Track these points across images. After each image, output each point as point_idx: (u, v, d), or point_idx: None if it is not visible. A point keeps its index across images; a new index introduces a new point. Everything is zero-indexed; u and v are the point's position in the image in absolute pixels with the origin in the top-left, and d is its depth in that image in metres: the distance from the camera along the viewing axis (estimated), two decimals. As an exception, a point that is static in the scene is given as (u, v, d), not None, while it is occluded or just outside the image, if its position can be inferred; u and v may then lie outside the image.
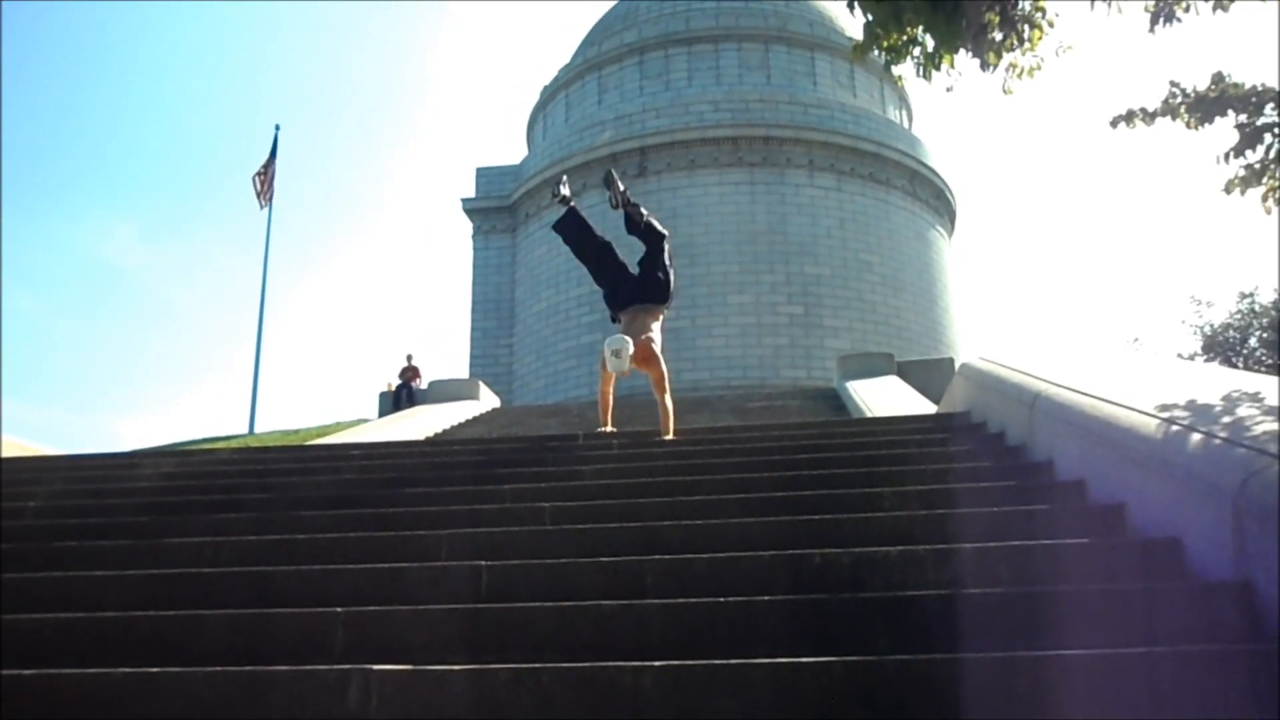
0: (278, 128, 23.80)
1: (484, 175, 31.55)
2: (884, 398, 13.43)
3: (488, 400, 19.61)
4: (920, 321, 27.23)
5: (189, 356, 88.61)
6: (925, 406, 11.40)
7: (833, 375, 19.51)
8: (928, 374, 16.67)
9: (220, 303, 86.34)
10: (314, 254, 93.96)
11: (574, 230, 7.56)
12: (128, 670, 2.74)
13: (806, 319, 25.52)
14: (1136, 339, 30.87)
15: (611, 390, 7.33)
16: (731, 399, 17.85)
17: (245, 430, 20.40)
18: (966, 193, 65.76)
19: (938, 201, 30.04)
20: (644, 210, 7.53)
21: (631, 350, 6.77)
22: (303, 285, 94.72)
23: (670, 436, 6.92)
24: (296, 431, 16.70)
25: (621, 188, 7.40)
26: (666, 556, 3.57)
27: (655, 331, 7.16)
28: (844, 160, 27.44)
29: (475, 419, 15.89)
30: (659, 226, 7.49)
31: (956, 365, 10.43)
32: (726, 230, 26.16)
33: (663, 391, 6.99)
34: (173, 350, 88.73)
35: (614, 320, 7.36)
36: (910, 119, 32.75)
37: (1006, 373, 5.96)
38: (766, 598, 3.04)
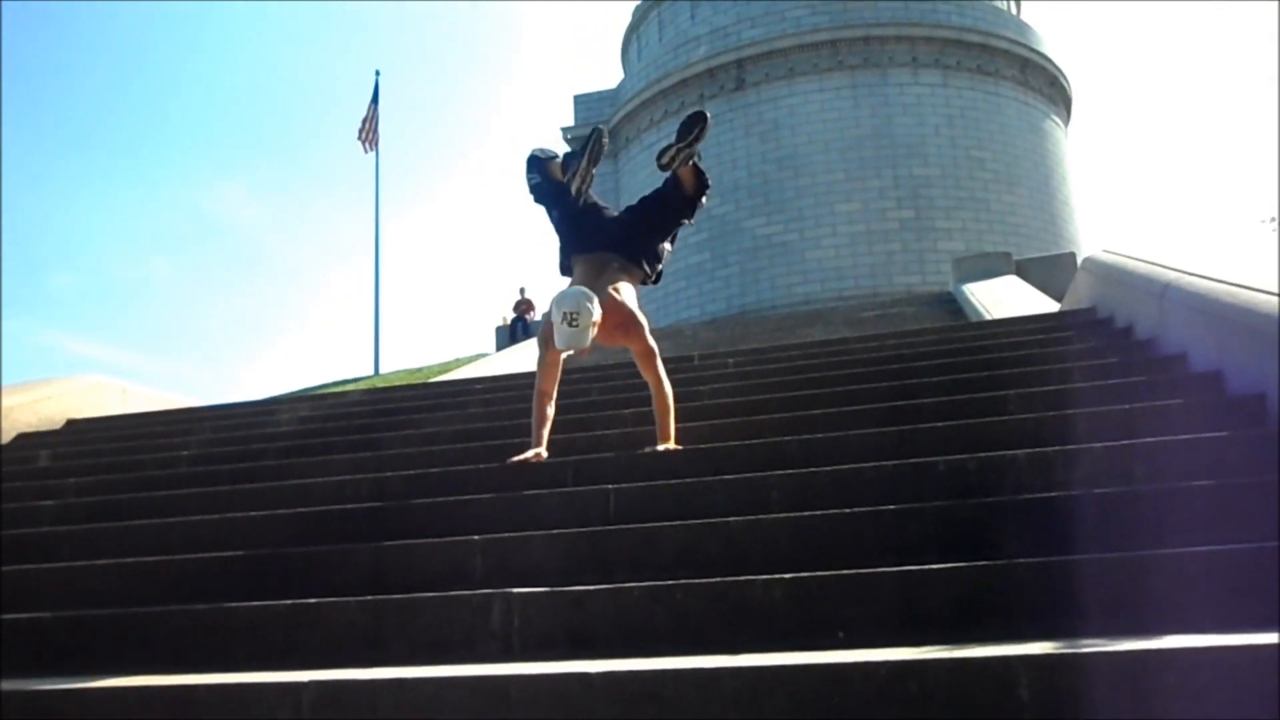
0: (378, 73, 24.08)
1: (582, 102, 31.33)
2: (1003, 298, 13.05)
3: (600, 327, 19.78)
4: (1038, 217, 26.18)
5: (305, 305, 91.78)
6: (1047, 305, 11.03)
7: (948, 279, 19.02)
8: (1048, 271, 16.10)
9: (332, 251, 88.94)
10: (423, 196, 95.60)
11: (546, 190, 4.72)
12: (290, 602, 2.93)
13: (918, 222, 24.79)
14: (1272, 218, 29.04)
15: (555, 387, 4.54)
16: (844, 310, 17.60)
17: (371, 371, 21.13)
18: (1084, 77, 62.36)
19: (1052, 90, 28.59)
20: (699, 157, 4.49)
21: (597, 315, 4.08)
22: (415, 228, 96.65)
23: (671, 445, 4.32)
24: (419, 370, 17.19)
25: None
26: (790, 471, 3.61)
27: (628, 291, 4.52)
28: (949, 54, 26.30)
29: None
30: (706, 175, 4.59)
31: (1079, 260, 10.03)
32: (830, 138, 25.47)
33: (654, 373, 4.48)
34: (289, 299, 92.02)
35: (564, 272, 4.76)
36: (1018, 4, 31.12)
37: (1133, 264, 5.73)
38: (892, 507, 3.05)
